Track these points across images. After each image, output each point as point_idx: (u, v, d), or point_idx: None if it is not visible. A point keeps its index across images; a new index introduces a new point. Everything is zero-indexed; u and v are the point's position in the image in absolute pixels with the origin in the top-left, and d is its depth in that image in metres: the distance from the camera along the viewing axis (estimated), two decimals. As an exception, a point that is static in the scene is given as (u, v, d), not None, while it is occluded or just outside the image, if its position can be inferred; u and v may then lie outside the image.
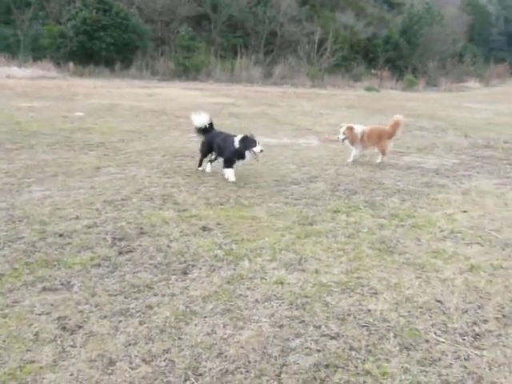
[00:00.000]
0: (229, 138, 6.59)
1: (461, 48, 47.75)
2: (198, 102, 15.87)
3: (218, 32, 29.33)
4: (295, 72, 27.53)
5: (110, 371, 2.59)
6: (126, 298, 3.33)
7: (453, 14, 49.64)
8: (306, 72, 27.90)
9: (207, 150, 6.93)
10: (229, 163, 6.56)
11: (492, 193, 6.63)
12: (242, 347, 2.84)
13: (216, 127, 7.03)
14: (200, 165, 7.07)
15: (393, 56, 35.07)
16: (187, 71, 26.15)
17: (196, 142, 8.98)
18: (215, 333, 2.97)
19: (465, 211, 5.73)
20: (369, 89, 27.70)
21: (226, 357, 2.75)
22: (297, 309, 3.30)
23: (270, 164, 7.65)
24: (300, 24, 29.86)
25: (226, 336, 2.94)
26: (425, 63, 35.79)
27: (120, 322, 3.04)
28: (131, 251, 4.09)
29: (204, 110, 7.25)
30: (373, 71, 33.09)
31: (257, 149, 6.45)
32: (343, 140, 7.98)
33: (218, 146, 6.69)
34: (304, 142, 9.79)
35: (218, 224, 4.80)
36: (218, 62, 26.81)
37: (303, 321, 3.16)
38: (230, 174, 6.55)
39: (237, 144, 6.42)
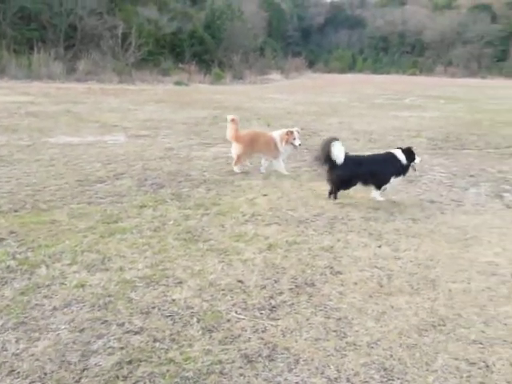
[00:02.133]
0: (383, 157, 6.11)
1: (261, 43, 50.82)
2: (-10, 102, 14.39)
3: (9, 24, 26.73)
4: (100, 67, 26.48)
5: None
6: None
7: (252, 11, 52.53)
8: (113, 67, 27.07)
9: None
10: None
11: (289, 175, 7.20)
12: (38, 359, 2.67)
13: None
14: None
15: (199, 50, 35.89)
16: (-24, 68, 23.48)
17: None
18: (6, 350, 2.73)
19: (265, 195, 6.13)
20: (178, 83, 27.94)
21: (18, 373, 2.55)
22: (99, 310, 3.20)
23: (72, 164, 7.27)
24: (101, 17, 28.76)
25: (18, 351, 2.73)
26: (229, 57, 37.31)
27: None
28: None
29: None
30: (180, 65, 33.46)
31: (418, 160, 6.15)
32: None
33: (369, 171, 5.89)
34: (110, 139, 9.50)
35: (12, 232, 4.42)
36: (13, 58, 24.50)
37: (106, 321, 3.08)
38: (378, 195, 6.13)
39: (403, 159, 5.97)
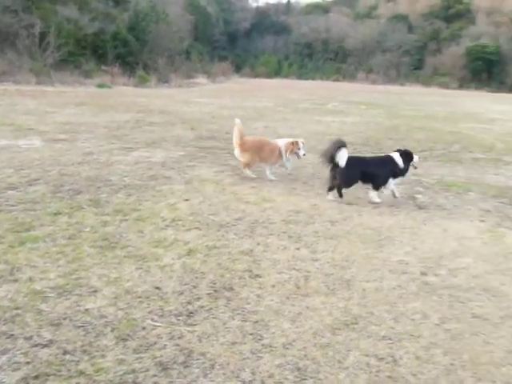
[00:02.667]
0: (383, 160, 6.69)
1: (187, 46, 50.50)
2: None
3: None
4: (16, 68, 25.16)
5: None
6: None
7: (177, 13, 52.00)
8: (30, 68, 25.83)
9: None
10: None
11: (212, 180, 7.18)
12: None
13: None
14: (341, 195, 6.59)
15: (123, 52, 35.02)
16: None
17: None
18: None
19: (187, 199, 6.08)
20: (101, 85, 27.14)
21: None
22: (5, 323, 3.04)
23: (-19, 170, 6.87)
24: (16, 15, 27.39)
25: None
26: (155, 60, 36.73)
27: None
28: None
29: None
30: (103, 68, 32.51)
31: (416, 158, 6.74)
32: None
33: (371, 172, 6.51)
34: (25, 143, 9.05)
35: None
36: None
37: (12, 335, 2.93)
38: (375, 196, 6.63)
39: (400, 163, 6.53)
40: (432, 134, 14.05)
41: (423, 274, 4.29)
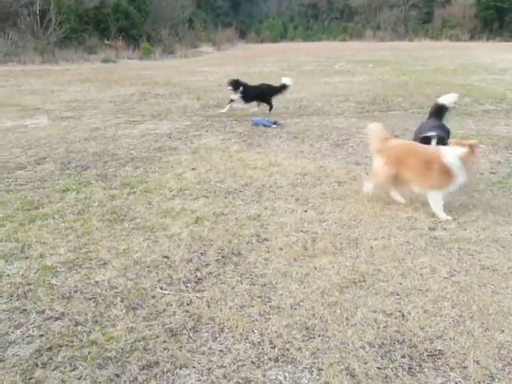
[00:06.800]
0: None
1: (190, 14, 49.73)
2: None
3: None
4: (20, 48, 25.09)
5: None
6: None
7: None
8: (34, 47, 25.73)
9: None
10: None
11: (218, 148, 7.16)
12: (-50, 357, 2.57)
13: None
14: None
15: (125, 25, 34.69)
16: None
17: None
18: None
19: (194, 169, 6.08)
20: (105, 60, 26.98)
21: None
22: (18, 299, 3.11)
23: (-11, 151, 6.92)
24: (15, -6, 27.21)
25: None
26: (158, 31, 36.32)
27: None
28: None
29: None
30: (107, 42, 32.23)
31: None
32: None
33: None
34: (32, 123, 9.08)
35: None
36: None
37: (25, 310, 3.00)
38: None
39: None
40: (441, 88, 13.71)
41: (432, 229, 4.27)
